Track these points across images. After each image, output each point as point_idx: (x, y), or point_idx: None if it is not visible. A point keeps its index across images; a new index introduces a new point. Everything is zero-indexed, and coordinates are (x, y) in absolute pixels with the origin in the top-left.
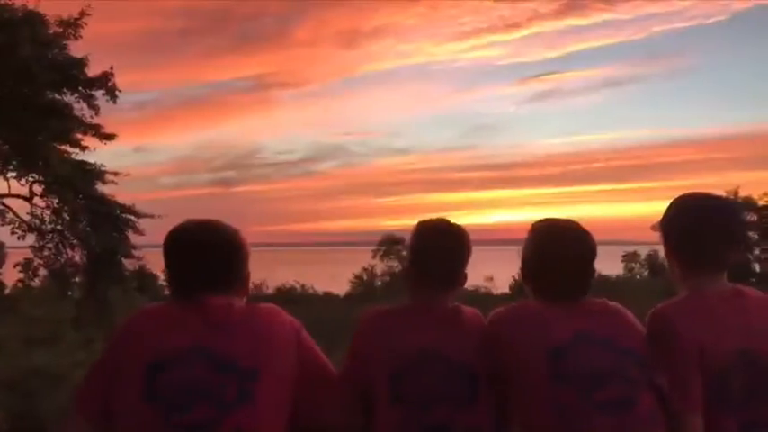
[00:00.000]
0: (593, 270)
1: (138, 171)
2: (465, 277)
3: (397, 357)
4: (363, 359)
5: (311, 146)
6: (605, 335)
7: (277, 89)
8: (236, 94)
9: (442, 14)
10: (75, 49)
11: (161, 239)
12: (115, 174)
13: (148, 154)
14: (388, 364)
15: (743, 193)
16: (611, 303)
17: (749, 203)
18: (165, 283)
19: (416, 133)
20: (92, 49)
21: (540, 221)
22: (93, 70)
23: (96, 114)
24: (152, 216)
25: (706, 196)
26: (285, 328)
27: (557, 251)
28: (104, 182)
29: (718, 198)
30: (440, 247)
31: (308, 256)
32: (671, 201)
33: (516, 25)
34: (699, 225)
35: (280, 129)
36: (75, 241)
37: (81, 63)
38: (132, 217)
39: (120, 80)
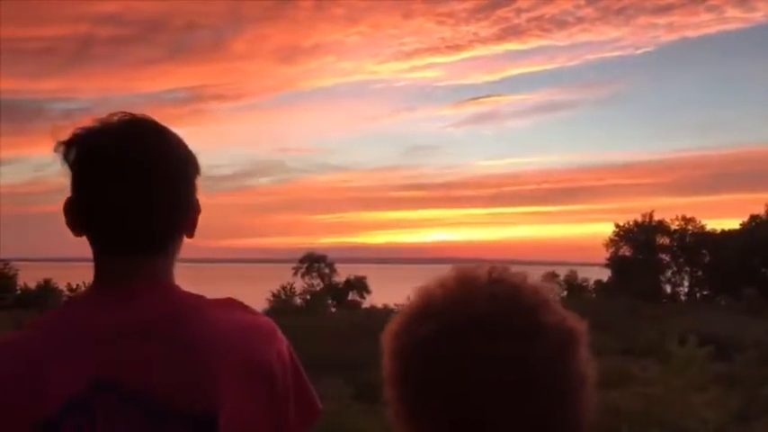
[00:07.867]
0: None
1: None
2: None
3: None
4: None
5: (246, 160)
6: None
7: (212, 102)
8: (169, 105)
9: (384, 34)
10: None
11: None
12: None
13: None
14: None
15: (657, 217)
16: None
17: (663, 227)
18: None
19: (354, 151)
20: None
21: None
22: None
23: None
24: None
25: None
26: None
27: None
28: None
29: None
30: None
31: (236, 271)
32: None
33: (456, 47)
34: None
35: (214, 142)
36: None
37: None
38: None
39: (46, 86)
